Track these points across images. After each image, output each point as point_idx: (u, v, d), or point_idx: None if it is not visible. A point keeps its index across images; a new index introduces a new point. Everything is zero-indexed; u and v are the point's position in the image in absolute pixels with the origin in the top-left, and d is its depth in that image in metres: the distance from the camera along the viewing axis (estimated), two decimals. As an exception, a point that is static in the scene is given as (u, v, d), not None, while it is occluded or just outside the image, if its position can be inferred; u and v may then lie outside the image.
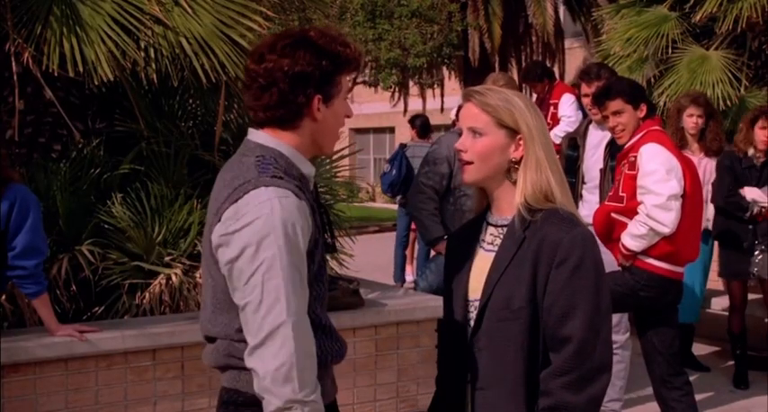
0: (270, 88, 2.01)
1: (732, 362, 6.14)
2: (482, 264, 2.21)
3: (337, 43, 2.05)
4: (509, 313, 2.10)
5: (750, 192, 5.80)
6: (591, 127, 5.15)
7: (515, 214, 2.15)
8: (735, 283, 6.06)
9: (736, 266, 5.95)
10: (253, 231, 1.92)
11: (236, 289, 1.98)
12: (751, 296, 6.22)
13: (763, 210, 5.76)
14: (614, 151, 4.94)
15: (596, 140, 5.08)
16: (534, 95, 8.03)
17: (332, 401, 2.21)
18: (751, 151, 5.90)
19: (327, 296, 2.20)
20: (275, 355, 1.90)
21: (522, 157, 2.15)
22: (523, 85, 9.28)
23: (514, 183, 2.17)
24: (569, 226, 2.11)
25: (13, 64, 4.28)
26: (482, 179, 2.21)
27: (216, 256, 2.02)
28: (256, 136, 2.10)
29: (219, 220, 1.99)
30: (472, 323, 2.20)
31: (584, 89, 5.10)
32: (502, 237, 2.19)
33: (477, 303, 2.19)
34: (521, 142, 2.15)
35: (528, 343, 2.10)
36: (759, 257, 5.83)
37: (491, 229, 2.24)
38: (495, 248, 2.19)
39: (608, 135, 5.02)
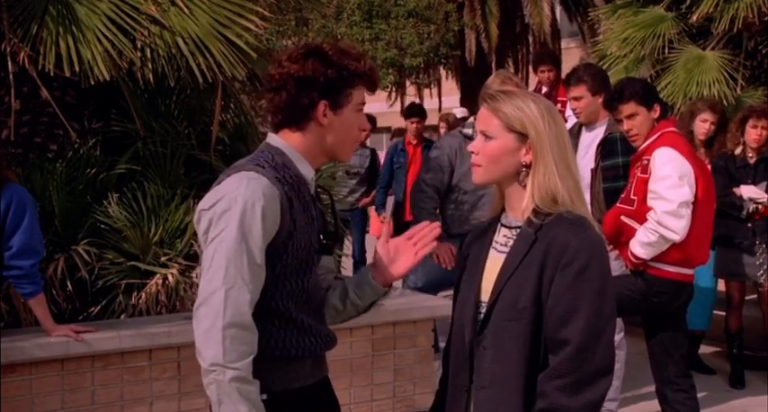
0: (280, 90, 2.21)
1: (729, 362, 6.15)
2: (493, 265, 2.21)
3: (348, 57, 2.23)
4: (514, 313, 2.10)
5: (747, 191, 5.79)
6: (583, 127, 5.16)
7: (525, 217, 2.16)
8: (733, 283, 6.05)
9: (734, 266, 5.94)
10: (218, 206, 2.12)
11: (202, 258, 2.17)
12: (749, 296, 6.23)
13: (761, 207, 5.75)
14: (606, 151, 4.93)
15: (588, 141, 5.09)
16: (533, 86, 7.93)
17: (317, 382, 2.29)
18: (738, 150, 5.91)
19: (315, 295, 2.27)
20: (205, 318, 2.06)
21: (531, 162, 2.16)
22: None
23: (524, 186, 2.17)
24: (579, 229, 2.11)
25: (10, 63, 4.28)
26: (491, 181, 2.22)
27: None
28: (269, 137, 2.29)
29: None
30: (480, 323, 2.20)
31: (568, 93, 5.11)
32: (514, 238, 2.19)
33: (486, 304, 2.19)
34: (530, 147, 2.16)
35: (530, 344, 2.09)
36: (762, 258, 5.81)
37: (504, 231, 2.24)
38: (507, 249, 2.19)
39: (599, 136, 5.02)
